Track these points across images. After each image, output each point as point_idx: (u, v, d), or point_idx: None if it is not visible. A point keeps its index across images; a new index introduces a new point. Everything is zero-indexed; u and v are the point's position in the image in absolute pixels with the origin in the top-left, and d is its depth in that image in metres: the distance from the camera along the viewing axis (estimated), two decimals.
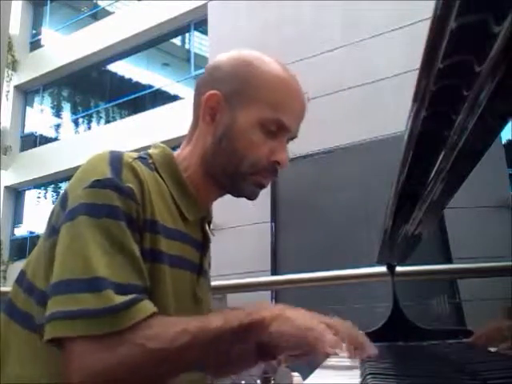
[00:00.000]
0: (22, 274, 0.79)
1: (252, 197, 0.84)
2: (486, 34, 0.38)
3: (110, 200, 0.70)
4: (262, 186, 0.83)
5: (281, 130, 0.80)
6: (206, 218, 0.88)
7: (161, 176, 0.80)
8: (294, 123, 0.82)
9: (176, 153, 0.86)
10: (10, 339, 0.75)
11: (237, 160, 0.80)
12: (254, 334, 0.68)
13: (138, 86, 11.21)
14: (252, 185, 0.82)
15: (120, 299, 0.65)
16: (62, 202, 0.74)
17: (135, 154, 0.79)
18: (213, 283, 2.02)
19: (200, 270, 0.84)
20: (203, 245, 0.86)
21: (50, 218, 0.77)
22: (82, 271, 0.66)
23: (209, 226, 0.90)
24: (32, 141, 12.46)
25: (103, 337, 0.64)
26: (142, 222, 0.72)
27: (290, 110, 0.80)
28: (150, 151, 0.84)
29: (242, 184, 0.82)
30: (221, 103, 0.80)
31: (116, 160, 0.74)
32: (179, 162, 0.83)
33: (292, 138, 0.84)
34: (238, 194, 0.84)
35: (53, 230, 0.74)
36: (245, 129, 0.79)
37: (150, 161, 0.80)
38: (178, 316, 0.73)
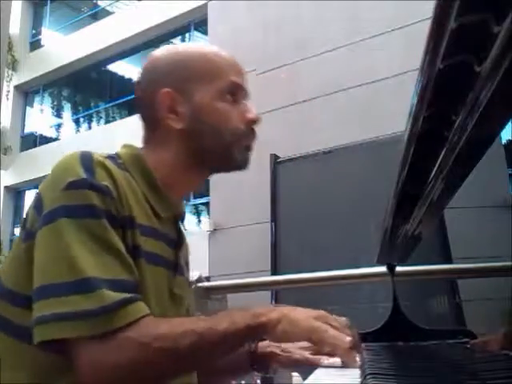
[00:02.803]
0: None
1: (245, 164, 0.86)
2: (486, 34, 0.38)
3: (88, 200, 0.70)
4: (249, 148, 0.86)
5: (237, 92, 0.85)
6: (179, 216, 0.89)
7: (131, 175, 0.80)
8: (243, 79, 0.87)
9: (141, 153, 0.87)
10: None
11: (218, 135, 0.83)
12: (260, 335, 0.70)
13: None
14: (241, 150, 0.85)
15: (115, 297, 0.66)
16: (36, 205, 0.74)
17: (105, 154, 0.80)
18: (213, 283, 2.03)
19: (176, 267, 0.85)
20: (177, 242, 0.87)
21: (24, 223, 0.76)
22: (69, 273, 0.66)
23: (182, 223, 0.90)
24: (32, 141, 12.46)
25: (107, 336, 0.64)
26: (121, 219, 0.73)
27: (232, 69, 0.86)
28: (119, 151, 0.85)
29: (232, 153, 0.84)
30: (176, 97, 0.82)
31: (87, 159, 0.74)
32: (149, 162, 0.84)
33: (247, 97, 0.88)
34: (231, 165, 0.86)
35: (28, 234, 0.73)
36: (209, 106, 0.82)
37: (120, 160, 0.81)
38: (158, 313, 0.74)
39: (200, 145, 0.83)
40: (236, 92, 0.84)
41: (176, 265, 0.85)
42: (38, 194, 0.75)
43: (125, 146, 0.87)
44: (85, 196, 0.70)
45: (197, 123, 0.82)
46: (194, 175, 0.87)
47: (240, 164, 0.86)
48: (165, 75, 0.84)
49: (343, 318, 0.77)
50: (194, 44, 0.91)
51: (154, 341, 0.66)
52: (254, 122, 0.85)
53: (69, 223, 0.68)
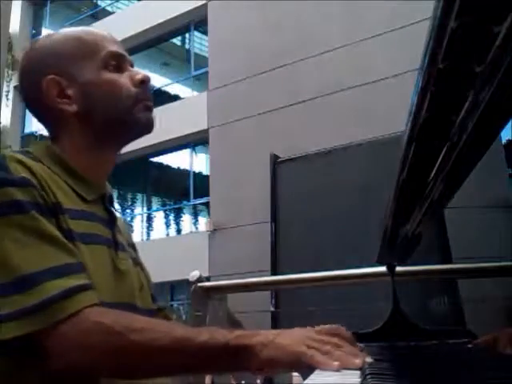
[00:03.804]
0: None
1: (149, 124, 0.87)
2: (486, 34, 0.38)
3: (11, 196, 0.69)
4: (149, 108, 0.87)
5: (119, 60, 0.86)
6: (106, 196, 0.88)
7: (46, 166, 0.79)
8: (119, 48, 0.88)
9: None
10: None
11: (114, 105, 0.83)
12: (242, 359, 0.67)
13: None
14: (141, 111, 0.85)
15: (59, 287, 0.65)
16: None
17: (15, 150, 0.80)
18: (213, 283, 2.02)
19: (116, 244, 0.84)
20: (110, 221, 0.86)
21: None
22: (6, 274, 0.65)
23: (111, 203, 0.89)
24: (32, 141, 12.46)
25: (66, 323, 0.65)
26: (49, 206, 0.72)
27: (107, 41, 0.87)
28: (28, 148, 0.84)
29: (133, 117, 0.84)
30: (61, 81, 0.83)
31: None
32: (60, 152, 0.84)
33: (132, 65, 0.89)
34: (137, 129, 0.86)
35: None
36: (96, 80, 0.83)
37: (31, 155, 0.80)
38: (103, 291, 0.74)
39: (101, 120, 0.84)
40: (118, 60, 0.86)
41: (115, 242, 0.84)
42: None
43: (33, 143, 0.87)
44: (6, 194, 0.69)
45: (90, 100, 0.83)
46: (106, 151, 0.87)
47: (145, 124, 0.86)
48: (44, 64, 0.84)
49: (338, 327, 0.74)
50: (63, 30, 0.90)
51: (130, 333, 0.65)
52: (144, 81, 0.86)
53: None
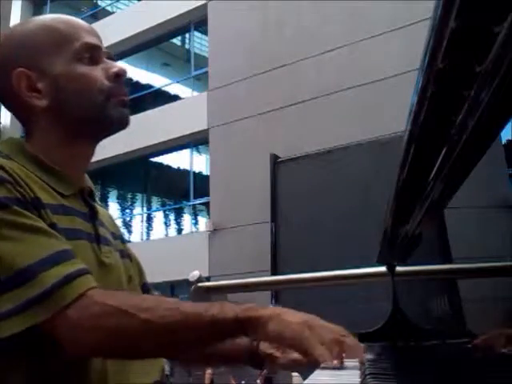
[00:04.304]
0: None
1: (124, 120, 0.83)
2: (486, 34, 0.38)
3: None
4: (124, 103, 0.83)
5: (94, 52, 0.82)
6: (85, 190, 0.85)
7: (19, 164, 0.77)
8: (95, 38, 0.84)
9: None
10: None
11: (86, 100, 0.80)
12: (250, 331, 0.67)
13: (137, 86, 11.22)
14: (115, 107, 0.81)
15: (57, 275, 0.65)
16: None
17: None
18: (213, 283, 2.02)
19: (98, 238, 0.82)
20: (91, 215, 0.84)
21: None
22: (4, 271, 0.64)
23: (91, 197, 0.87)
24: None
25: (74, 308, 0.64)
26: (29, 201, 0.71)
27: (82, 31, 0.82)
28: None
29: (106, 113, 0.81)
30: (31, 75, 0.79)
31: None
32: (32, 148, 0.81)
33: (111, 57, 0.85)
34: (111, 125, 0.83)
35: None
36: (69, 74, 0.79)
37: (2, 154, 0.77)
38: None
39: (72, 115, 0.80)
40: (93, 52, 0.81)
41: (97, 236, 0.83)
42: None
43: (1, 142, 0.84)
44: None
45: (61, 94, 0.79)
46: (81, 146, 0.84)
47: (118, 121, 0.82)
48: (15, 56, 0.80)
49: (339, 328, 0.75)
50: (37, 17, 0.86)
51: (140, 312, 0.65)
52: (119, 75, 0.82)
53: None
